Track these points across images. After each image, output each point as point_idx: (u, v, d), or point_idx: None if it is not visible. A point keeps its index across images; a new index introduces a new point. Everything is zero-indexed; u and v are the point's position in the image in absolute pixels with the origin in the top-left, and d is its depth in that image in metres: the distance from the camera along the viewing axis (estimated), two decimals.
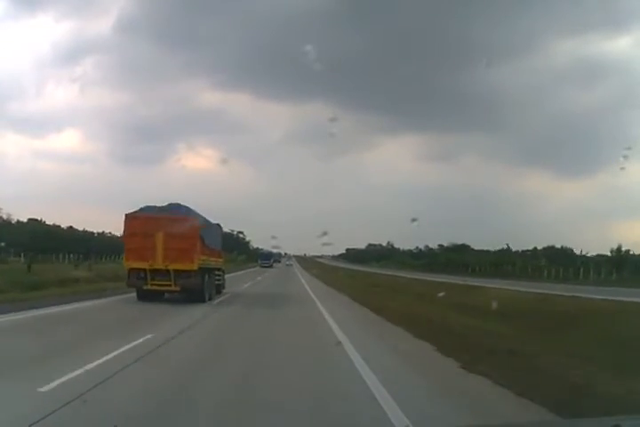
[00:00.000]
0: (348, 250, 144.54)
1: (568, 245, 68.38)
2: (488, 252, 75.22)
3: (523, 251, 72.37)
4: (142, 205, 17.21)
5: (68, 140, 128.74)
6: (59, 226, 71.15)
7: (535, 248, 72.65)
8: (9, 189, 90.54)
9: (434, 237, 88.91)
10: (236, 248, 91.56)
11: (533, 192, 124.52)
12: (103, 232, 75.95)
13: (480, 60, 72.61)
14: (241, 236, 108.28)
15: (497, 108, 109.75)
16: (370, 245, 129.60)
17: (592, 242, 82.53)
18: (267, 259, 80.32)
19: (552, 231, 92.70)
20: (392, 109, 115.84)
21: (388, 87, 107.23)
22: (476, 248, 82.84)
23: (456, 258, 70.92)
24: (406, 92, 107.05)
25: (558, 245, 69.00)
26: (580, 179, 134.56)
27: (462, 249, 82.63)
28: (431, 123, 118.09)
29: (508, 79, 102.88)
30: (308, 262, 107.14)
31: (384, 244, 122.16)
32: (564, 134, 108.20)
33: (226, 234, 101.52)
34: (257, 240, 75.61)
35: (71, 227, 72.52)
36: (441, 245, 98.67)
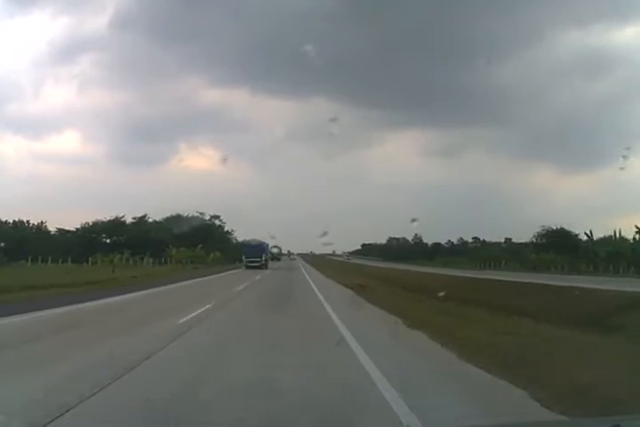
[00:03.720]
0: (364, 245, 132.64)
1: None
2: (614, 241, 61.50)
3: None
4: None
5: (67, 140, 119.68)
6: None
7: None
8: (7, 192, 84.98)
9: (439, 233, 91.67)
10: (208, 241, 64.42)
11: (538, 186, 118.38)
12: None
13: (483, 54, 74.44)
14: (217, 223, 77.76)
15: (502, 102, 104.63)
16: (392, 238, 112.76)
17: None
18: (256, 254, 53.40)
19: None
20: (397, 105, 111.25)
21: (391, 83, 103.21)
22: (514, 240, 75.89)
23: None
24: (410, 88, 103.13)
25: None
26: (584, 173, 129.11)
27: (565, 236, 64.90)
28: (437, 118, 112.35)
29: (512, 73, 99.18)
30: (320, 261, 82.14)
31: (409, 238, 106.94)
32: (571, 128, 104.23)
33: (190, 219, 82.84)
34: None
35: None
36: (476, 239, 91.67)
